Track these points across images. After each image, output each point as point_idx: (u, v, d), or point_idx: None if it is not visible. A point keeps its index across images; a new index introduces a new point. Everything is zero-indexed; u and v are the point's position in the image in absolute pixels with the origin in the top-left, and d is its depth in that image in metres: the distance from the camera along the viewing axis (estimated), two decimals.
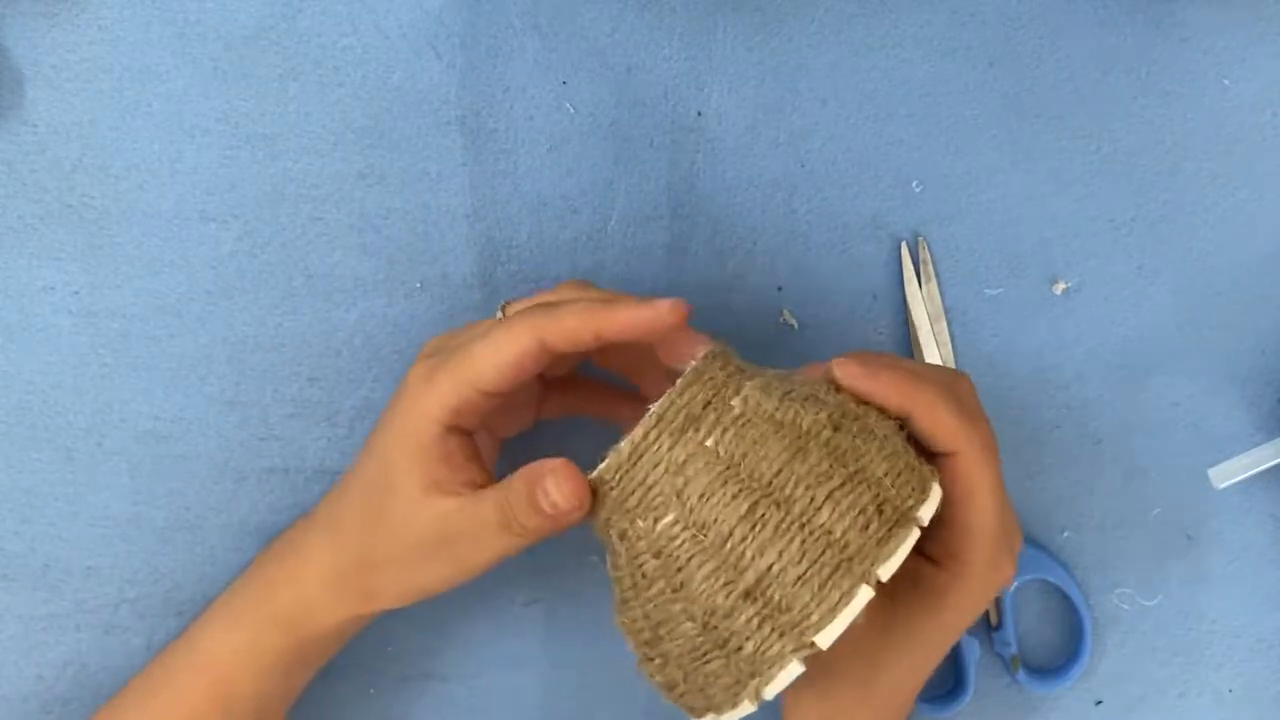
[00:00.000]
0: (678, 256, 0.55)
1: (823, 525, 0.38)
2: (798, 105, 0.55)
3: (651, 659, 0.42)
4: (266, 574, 0.49)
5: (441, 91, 0.54)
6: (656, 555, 0.40)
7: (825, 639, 0.38)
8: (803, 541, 0.38)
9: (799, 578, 0.38)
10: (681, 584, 0.40)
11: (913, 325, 0.55)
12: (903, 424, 0.43)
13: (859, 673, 0.45)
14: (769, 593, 0.38)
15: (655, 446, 0.41)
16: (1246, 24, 0.55)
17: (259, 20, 0.53)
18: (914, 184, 0.55)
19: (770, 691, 0.39)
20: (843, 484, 0.39)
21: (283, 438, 0.54)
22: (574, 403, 0.52)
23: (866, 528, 0.39)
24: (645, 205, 0.55)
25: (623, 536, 0.42)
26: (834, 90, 0.55)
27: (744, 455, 0.40)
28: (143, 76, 0.53)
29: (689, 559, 0.39)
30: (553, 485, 0.41)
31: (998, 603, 0.55)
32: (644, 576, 0.41)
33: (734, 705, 0.39)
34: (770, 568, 0.38)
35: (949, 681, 0.56)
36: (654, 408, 0.41)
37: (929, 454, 0.44)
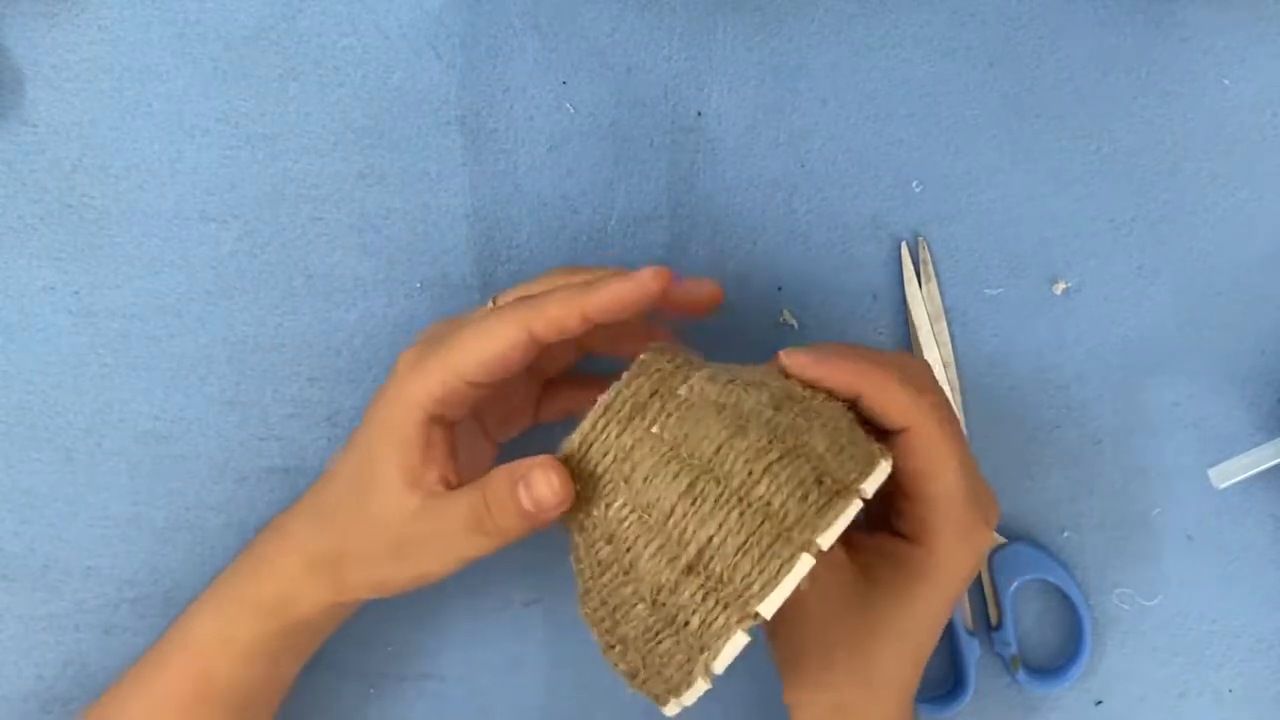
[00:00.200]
0: (678, 256, 0.55)
1: (761, 497, 0.39)
2: (798, 105, 0.55)
3: (613, 646, 0.43)
4: (252, 559, 0.48)
5: (441, 91, 0.54)
6: (609, 541, 0.41)
7: (768, 608, 0.38)
8: (741, 514, 0.39)
9: (739, 548, 0.39)
10: (631, 564, 0.40)
11: (913, 325, 0.55)
12: (853, 406, 0.44)
13: (855, 663, 0.45)
14: (711, 565, 0.39)
15: (604, 436, 0.42)
16: (1246, 24, 0.55)
17: (259, 20, 0.53)
18: (914, 184, 0.55)
19: (719, 665, 0.39)
20: (781, 457, 0.39)
21: (283, 438, 0.54)
22: (571, 403, 0.52)
23: (805, 498, 0.39)
24: (645, 205, 0.55)
25: (581, 528, 0.42)
26: (834, 90, 0.55)
27: (685, 436, 0.41)
28: (143, 76, 0.53)
29: (636, 539, 0.40)
30: (540, 478, 0.41)
31: (998, 602, 0.55)
32: (599, 564, 0.42)
33: (689, 684, 0.40)
34: (710, 539, 0.39)
35: (949, 681, 0.56)
36: (601, 398, 0.42)
37: (885, 433, 0.44)
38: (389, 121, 0.54)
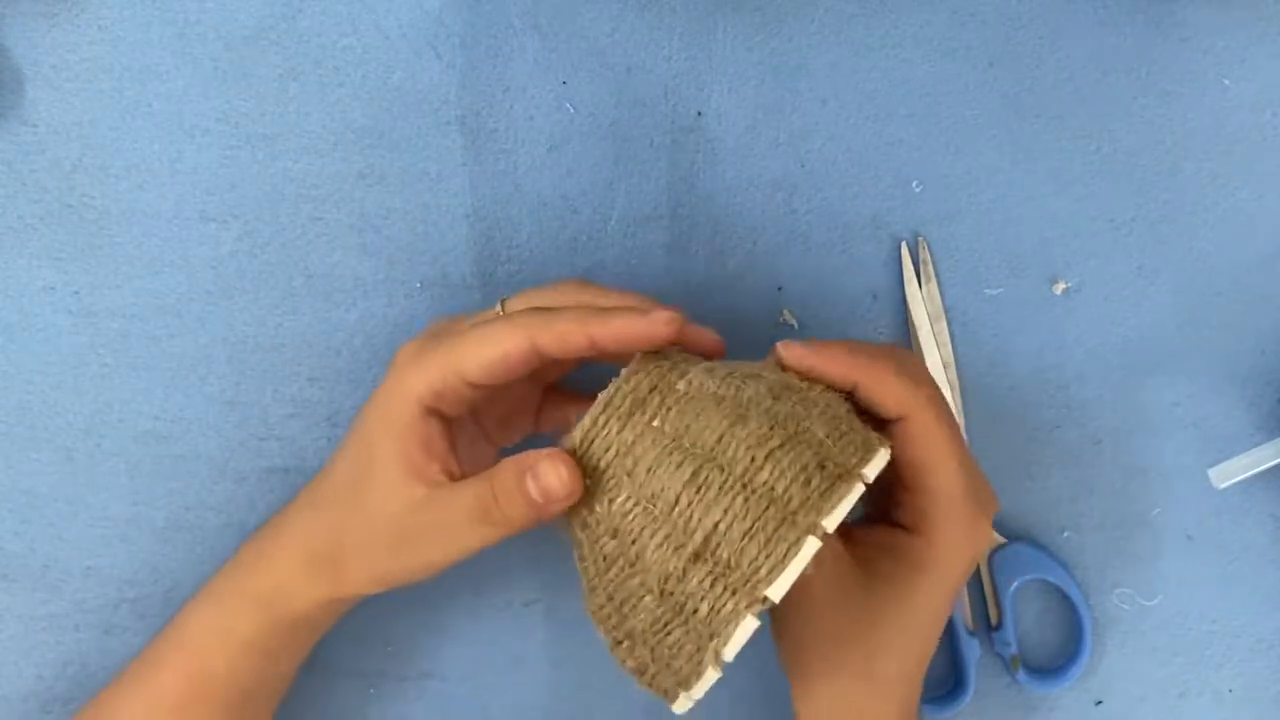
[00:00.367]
0: (678, 256, 0.55)
1: (765, 483, 0.39)
2: (798, 105, 0.55)
3: (621, 642, 0.43)
4: (250, 554, 0.48)
5: (441, 91, 0.54)
6: (613, 535, 0.41)
7: (776, 591, 0.39)
8: (746, 499, 0.39)
9: (745, 533, 0.39)
10: (637, 556, 0.41)
11: (913, 325, 0.55)
12: (850, 396, 0.44)
13: (856, 654, 0.45)
14: (718, 552, 0.39)
15: (605, 431, 0.42)
16: (1246, 24, 0.55)
17: (259, 20, 0.53)
18: (914, 184, 0.55)
19: (729, 651, 0.39)
20: (782, 444, 0.40)
21: (283, 438, 0.54)
22: (573, 412, 0.52)
23: (809, 483, 0.39)
24: (645, 205, 0.55)
25: (584, 525, 0.42)
26: (834, 90, 0.55)
27: (687, 428, 0.41)
28: (143, 76, 0.53)
29: (641, 530, 0.40)
30: (549, 469, 0.41)
31: (998, 602, 0.55)
32: (604, 559, 0.42)
33: (699, 675, 0.40)
34: (716, 526, 0.39)
35: (949, 681, 0.56)
36: (601, 395, 0.42)
37: (882, 423, 0.45)
38: (389, 121, 0.54)
